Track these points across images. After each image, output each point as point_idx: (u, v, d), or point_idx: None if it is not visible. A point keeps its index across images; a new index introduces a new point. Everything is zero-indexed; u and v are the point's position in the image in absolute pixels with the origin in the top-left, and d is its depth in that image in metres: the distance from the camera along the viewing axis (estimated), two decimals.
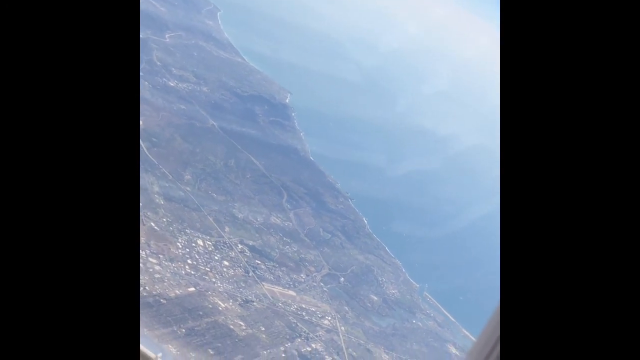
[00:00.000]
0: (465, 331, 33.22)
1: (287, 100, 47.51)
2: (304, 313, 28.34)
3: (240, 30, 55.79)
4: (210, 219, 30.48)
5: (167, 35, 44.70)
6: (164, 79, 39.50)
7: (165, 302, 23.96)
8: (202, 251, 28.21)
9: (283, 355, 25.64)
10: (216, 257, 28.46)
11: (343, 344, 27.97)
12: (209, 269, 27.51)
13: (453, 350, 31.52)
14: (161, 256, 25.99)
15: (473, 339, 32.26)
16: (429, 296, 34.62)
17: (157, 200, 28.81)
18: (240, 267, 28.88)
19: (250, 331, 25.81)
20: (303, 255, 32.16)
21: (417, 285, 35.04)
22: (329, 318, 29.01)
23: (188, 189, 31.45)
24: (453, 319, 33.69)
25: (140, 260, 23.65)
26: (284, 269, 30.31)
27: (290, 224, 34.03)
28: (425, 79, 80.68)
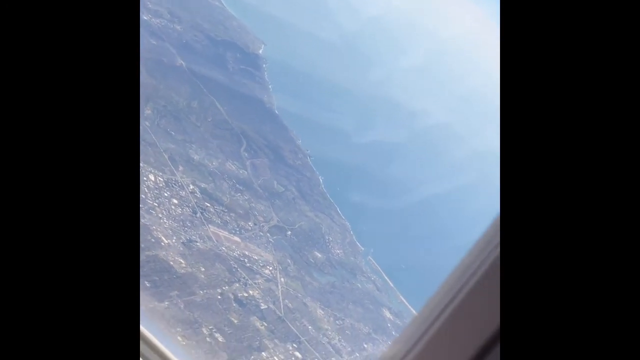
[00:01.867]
0: (402, 298, 33.84)
1: (260, 51, 47.05)
2: (246, 260, 28.53)
3: None
4: (165, 156, 30.34)
5: None
6: None
7: None
8: (152, 186, 28.12)
9: (219, 297, 25.86)
10: (166, 194, 28.40)
11: (280, 295, 28.30)
12: (156, 204, 27.48)
13: (387, 314, 32.09)
14: None
15: (408, 305, 33.02)
16: (373, 260, 35.10)
17: None
18: (188, 207, 28.88)
19: (189, 270, 25.95)
20: (254, 205, 32.24)
21: (362, 249, 35.47)
22: (270, 268, 29.27)
23: (147, 123, 31.18)
24: (392, 285, 34.25)
25: None
26: (232, 214, 30.38)
27: (245, 172, 34.03)
28: (404, 52, 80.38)
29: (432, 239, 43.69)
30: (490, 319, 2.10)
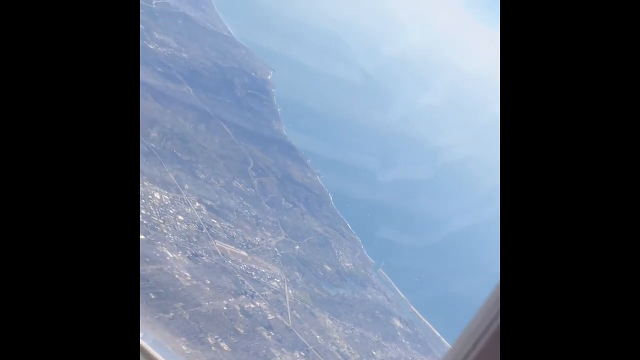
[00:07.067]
0: (413, 308, 33.61)
1: (269, 77, 47.78)
2: (253, 273, 28.67)
3: (233, 14, 55.69)
4: (171, 176, 30.81)
5: (154, 1, 45.00)
6: (144, 42, 39.75)
7: None
8: (157, 204, 28.51)
9: (225, 308, 25.97)
10: (171, 211, 28.77)
11: (288, 306, 28.33)
12: (162, 221, 27.83)
13: (398, 323, 31.88)
14: None
15: (420, 315, 32.75)
16: (384, 273, 35.01)
17: None
18: (194, 223, 29.21)
19: (195, 283, 26.13)
20: (261, 221, 32.49)
21: (373, 262, 35.41)
22: (278, 280, 29.37)
23: (153, 145, 31.77)
24: (403, 296, 34.08)
25: None
26: (239, 230, 30.65)
27: (253, 190, 34.37)
28: (426, 87, 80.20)
29: (461, 271, 42.82)
30: None
